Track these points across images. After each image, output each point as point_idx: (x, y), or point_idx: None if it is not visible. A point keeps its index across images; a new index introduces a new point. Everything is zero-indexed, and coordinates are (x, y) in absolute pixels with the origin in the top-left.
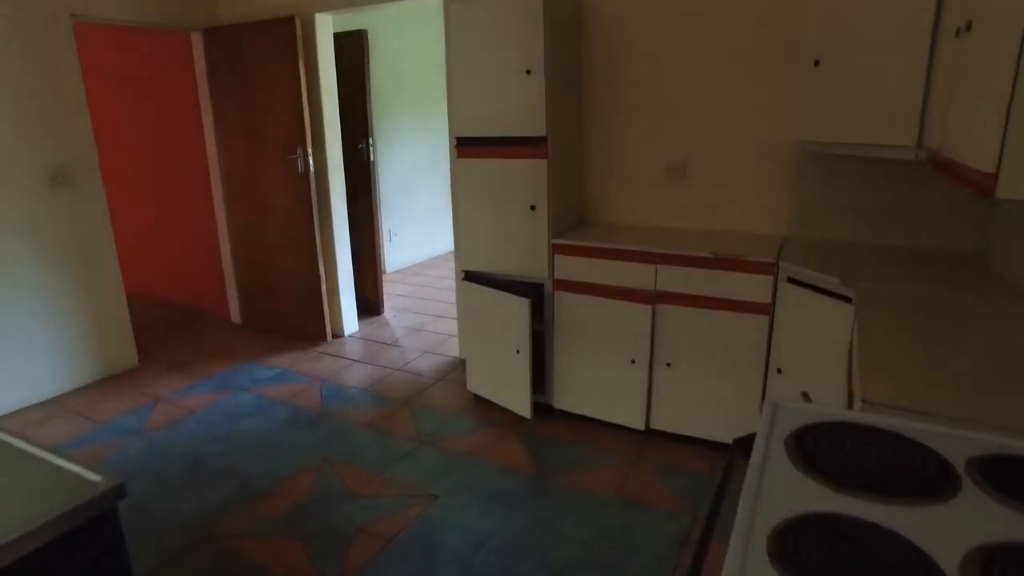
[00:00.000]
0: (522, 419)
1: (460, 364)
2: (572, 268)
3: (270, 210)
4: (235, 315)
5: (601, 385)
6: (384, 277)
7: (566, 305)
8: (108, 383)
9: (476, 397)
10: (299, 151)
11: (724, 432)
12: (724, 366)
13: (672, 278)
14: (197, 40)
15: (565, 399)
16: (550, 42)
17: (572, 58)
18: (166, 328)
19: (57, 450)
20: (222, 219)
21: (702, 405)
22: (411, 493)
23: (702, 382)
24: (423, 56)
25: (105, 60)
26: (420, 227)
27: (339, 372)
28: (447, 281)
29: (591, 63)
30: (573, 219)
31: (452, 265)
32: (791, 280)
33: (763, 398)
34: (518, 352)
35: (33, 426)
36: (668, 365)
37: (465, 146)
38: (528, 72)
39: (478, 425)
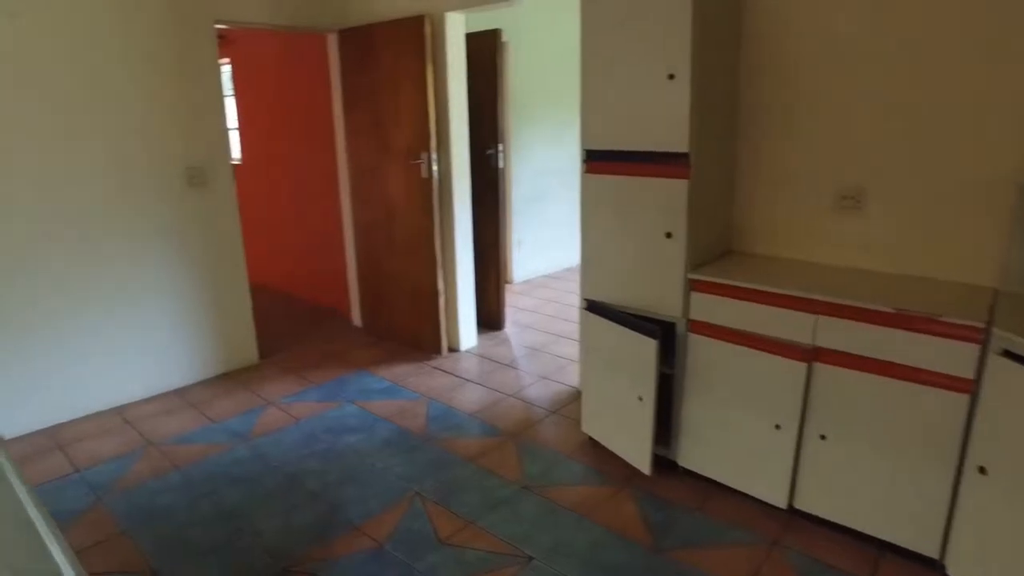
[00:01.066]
0: (640, 474)
1: (578, 396)
2: (711, 308)
3: (392, 214)
4: (356, 317)
5: (736, 447)
6: (509, 287)
7: (701, 350)
8: (228, 380)
9: (590, 440)
10: (423, 155)
11: (887, 528)
12: (898, 450)
13: (837, 333)
14: (332, 41)
15: (691, 457)
16: (699, 40)
17: (726, 60)
18: (289, 326)
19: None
20: (348, 220)
21: (862, 492)
22: (504, 550)
23: (866, 464)
24: (564, 57)
25: (245, 60)
26: (551, 235)
27: (449, 391)
28: (574, 297)
29: (750, 66)
30: (716, 248)
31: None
32: (1008, 354)
33: (954, 499)
34: (640, 399)
35: (154, 417)
36: (823, 438)
37: (595, 160)
38: (671, 77)
39: (589, 474)
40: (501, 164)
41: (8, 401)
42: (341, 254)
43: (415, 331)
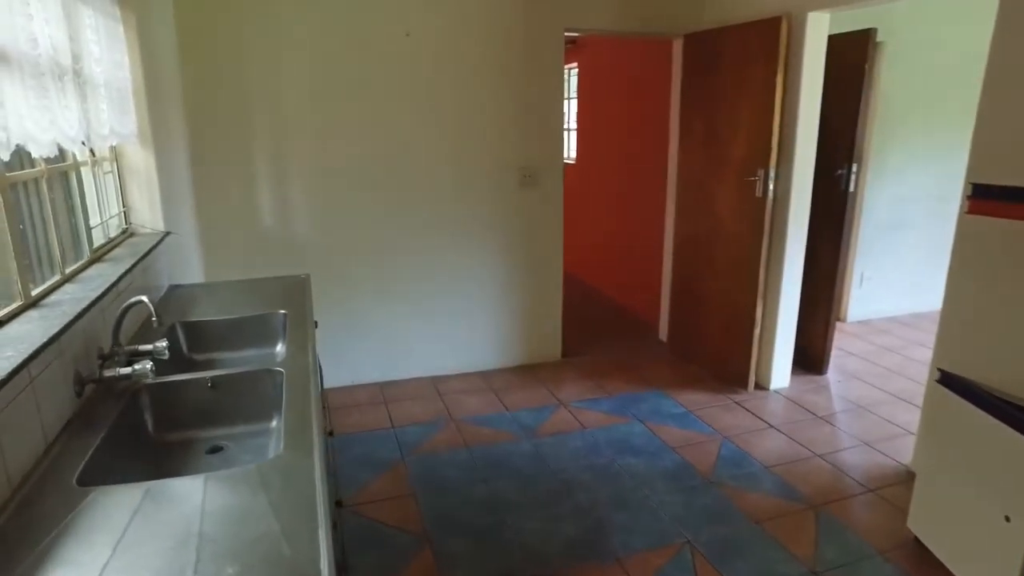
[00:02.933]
0: None
1: (909, 479)
2: None
3: (717, 230)
4: (662, 331)
5: None
6: (840, 327)
7: None
8: (528, 372)
9: (916, 540)
10: (759, 172)
11: None
12: None
13: None
14: (677, 47)
15: None
16: None
17: None
18: (596, 327)
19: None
20: (669, 230)
21: None
22: None
23: None
24: (957, 64)
25: (592, 65)
26: (903, 272)
27: (747, 434)
28: (923, 352)
29: None
30: None
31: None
32: None
33: None
34: (1008, 519)
35: (460, 393)
36: None
37: (987, 197)
38: None
39: None
40: (852, 187)
41: (356, 358)
42: (657, 263)
43: (722, 358)
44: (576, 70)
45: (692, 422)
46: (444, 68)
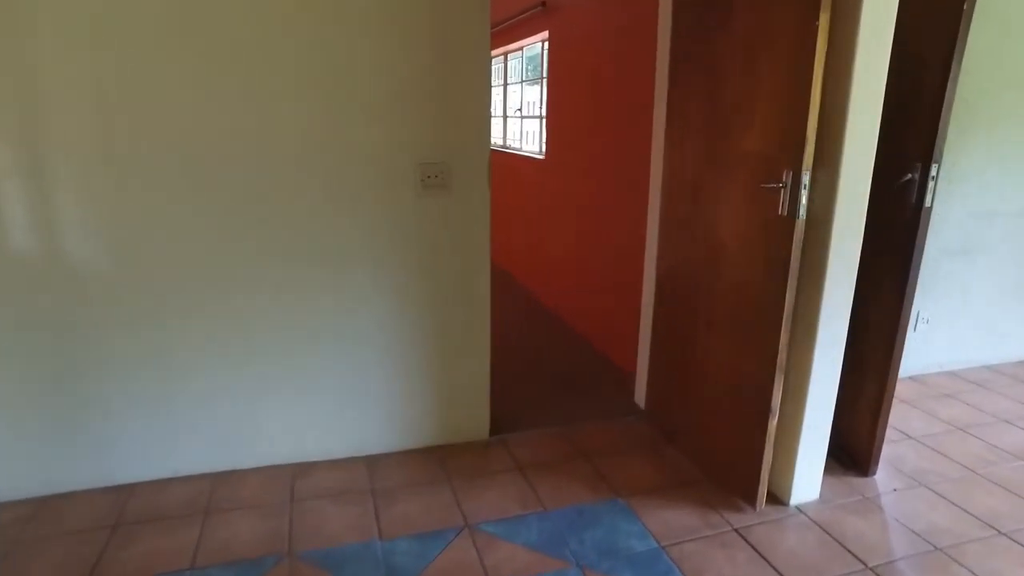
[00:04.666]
0: None
1: None
2: None
3: (717, 263)
4: (639, 389)
5: None
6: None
7: None
8: (436, 459)
9: None
10: (786, 176)
11: None
12: None
13: None
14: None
15: None
16: None
17: None
18: (548, 377)
19: None
20: (651, 256)
21: None
22: None
23: None
24: None
25: (565, 35)
26: (974, 312)
27: None
28: (1015, 434)
29: None
30: None
31: None
32: None
33: None
34: None
35: (319, 497)
36: None
37: None
38: None
39: None
40: (929, 200)
41: (178, 438)
42: (635, 297)
43: (719, 451)
44: (547, 42)
45: (662, 567)
46: (311, 13)
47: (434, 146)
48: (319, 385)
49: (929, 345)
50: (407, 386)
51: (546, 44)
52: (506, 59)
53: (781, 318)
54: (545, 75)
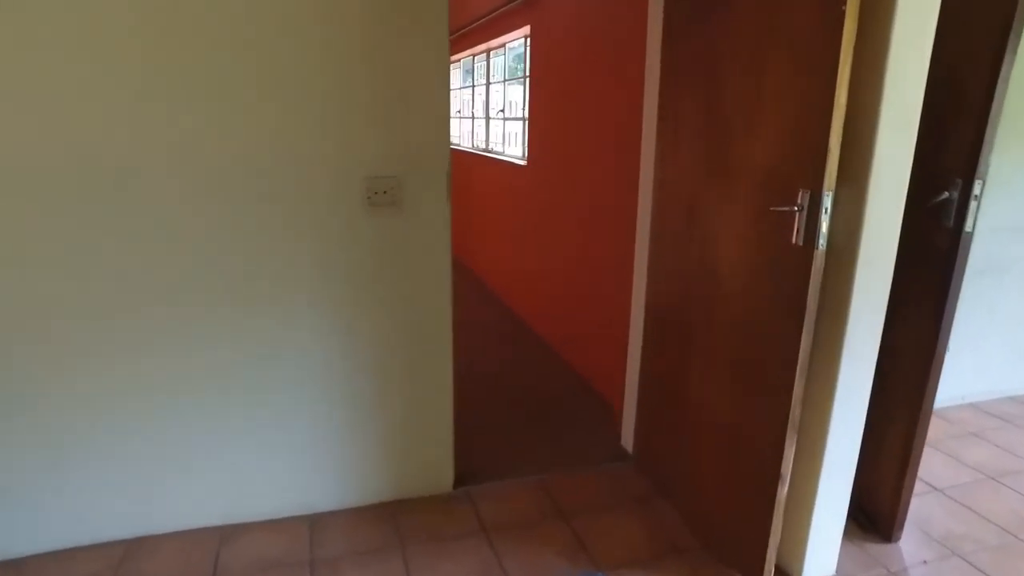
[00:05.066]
0: None
1: None
2: None
3: (714, 300)
4: (626, 435)
5: None
6: None
7: None
8: (389, 518)
9: None
10: (801, 197)
11: None
12: None
13: None
14: None
15: None
16: None
17: None
18: (525, 411)
19: None
20: (639, 283)
21: None
22: None
23: None
24: None
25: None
26: (1004, 338)
27: None
28: None
29: None
30: None
31: None
32: None
33: None
34: None
35: (248, 568)
36: None
37: None
38: None
39: None
40: (970, 224)
41: (85, 500)
42: (623, 322)
43: (716, 514)
44: (529, 38)
45: None
46: None
47: (384, 158)
48: (252, 436)
49: (949, 375)
50: (357, 434)
51: (528, 40)
52: (488, 56)
53: (792, 365)
54: (528, 74)
